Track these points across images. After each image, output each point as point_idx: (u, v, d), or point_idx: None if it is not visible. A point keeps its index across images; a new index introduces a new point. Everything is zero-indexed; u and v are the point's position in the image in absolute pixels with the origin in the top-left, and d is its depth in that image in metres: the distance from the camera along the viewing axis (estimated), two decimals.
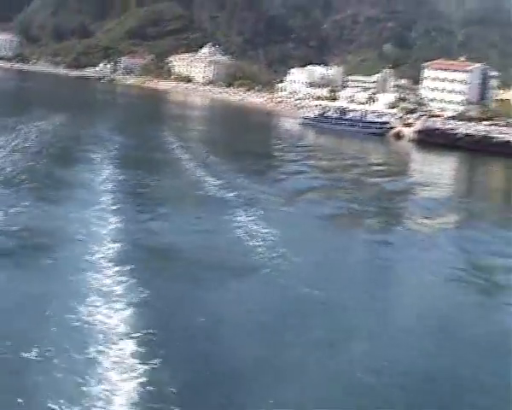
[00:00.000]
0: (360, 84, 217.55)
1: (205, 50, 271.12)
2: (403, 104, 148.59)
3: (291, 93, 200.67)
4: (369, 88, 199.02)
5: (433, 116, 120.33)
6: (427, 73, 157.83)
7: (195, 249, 18.21)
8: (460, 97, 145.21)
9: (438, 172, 56.69)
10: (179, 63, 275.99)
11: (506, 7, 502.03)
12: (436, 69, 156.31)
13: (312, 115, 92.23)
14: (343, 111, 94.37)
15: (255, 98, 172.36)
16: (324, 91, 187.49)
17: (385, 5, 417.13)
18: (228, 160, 38.58)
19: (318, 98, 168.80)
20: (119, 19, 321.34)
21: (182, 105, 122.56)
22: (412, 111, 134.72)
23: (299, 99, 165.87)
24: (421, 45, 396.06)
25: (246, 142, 57.35)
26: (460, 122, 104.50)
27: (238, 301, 15.37)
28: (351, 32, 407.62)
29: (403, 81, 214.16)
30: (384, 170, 47.49)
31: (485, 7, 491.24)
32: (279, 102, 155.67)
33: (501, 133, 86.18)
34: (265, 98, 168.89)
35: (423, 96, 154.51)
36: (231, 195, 26.26)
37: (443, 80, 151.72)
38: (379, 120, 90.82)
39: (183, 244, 18.58)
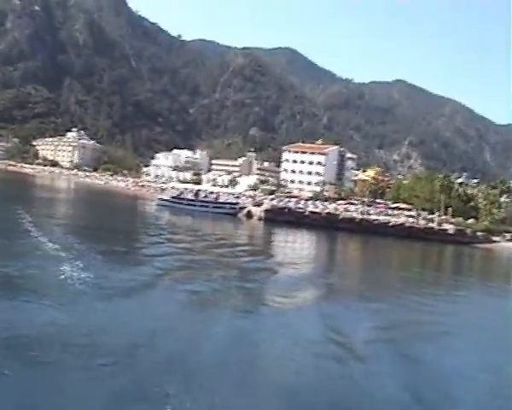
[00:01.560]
0: (224, 168, 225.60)
1: (71, 135, 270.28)
2: (263, 186, 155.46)
3: (155, 177, 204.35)
4: (233, 171, 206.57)
5: (291, 197, 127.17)
6: (286, 155, 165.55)
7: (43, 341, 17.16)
8: (317, 178, 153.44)
9: (290, 248, 59.99)
10: (45, 147, 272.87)
11: (367, 92, 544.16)
12: (294, 152, 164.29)
13: (167, 197, 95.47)
14: (196, 193, 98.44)
15: (119, 182, 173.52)
16: (188, 175, 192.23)
17: (251, 90, 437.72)
18: (85, 242, 38.51)
19: (183, 182, 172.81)
20: None
21: (44, 188, 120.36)
22: (272, 192, 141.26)
23: (162, 183, 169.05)
24: (286, 129, 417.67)
25: (103, 224, 57.55)
26: (316, 202, 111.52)
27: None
28: (218, 116, 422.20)
29: (266, 164, 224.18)
30: (240, 247, 49.71)
31: (348, 92, 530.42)
32: (142, 185, 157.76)
33: (348, 211, 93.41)
34: (129, 182, 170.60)
35: (283, 178, 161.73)
36: (89, 280, 25.54)
37: (301, 163, 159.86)
38: (230, 200, 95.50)
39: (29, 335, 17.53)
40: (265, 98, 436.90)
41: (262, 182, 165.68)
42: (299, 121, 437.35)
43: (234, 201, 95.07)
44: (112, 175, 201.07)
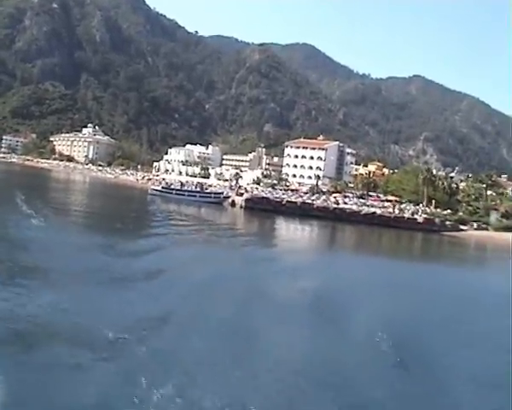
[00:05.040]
0: (235, 163, 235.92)
1: (86, 131, 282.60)
2: (265, 180, 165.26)
3: (165, 171, 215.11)
4: (243, 166, 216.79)
5: (290, 190, 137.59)
6: (288, 151, 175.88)
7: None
8: (317, 173, 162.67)
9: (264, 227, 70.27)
10: (61, 143, 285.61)
11: (384, 88, 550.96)
12: (296, 147, 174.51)
13: (159, 188, 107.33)
14: (184, 184, 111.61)
15: (129, 176, 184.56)
16: (197, 170, 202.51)
17: (266, 86, 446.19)
18: (83, 226, 46.41)
19: (192, 176, 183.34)
20: (3, 97, 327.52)
21: (57, 181, 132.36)
22: (273, 186, 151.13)
23: (157, 176, 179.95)
24: (301, 124, 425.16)
25: (97, 210, 66.38)
26: (306, 194, 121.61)
27: None
28: (233, 112, 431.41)
29: (276, 159, 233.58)
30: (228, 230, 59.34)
31: (365, 87, 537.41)
32: (149, 179, 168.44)
33: (325, 201, 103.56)
34: (138, 176, 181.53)
35: (285, 173, 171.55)
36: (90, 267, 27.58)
37: (302, 157, 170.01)
38: (215, 190, 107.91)
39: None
40: (281, 94, 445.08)
41: (265, 176, 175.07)
42: (315, 117, 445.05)
43: (219, 191, 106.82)
44: (124, 170, 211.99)
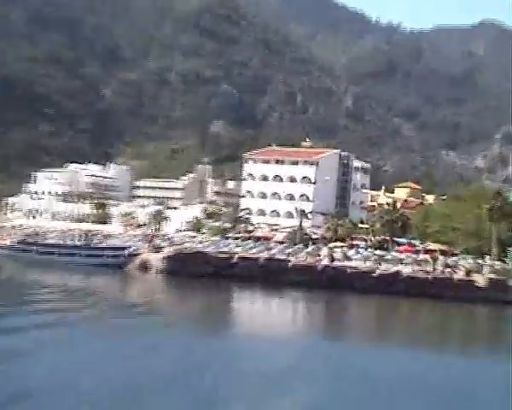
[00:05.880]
0: (157, 193, 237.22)
1: None
2: (211, 223, 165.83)
3: (29, 213, 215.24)
4: (171, 198, 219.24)
5: (256, 237, 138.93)
6: (250, 168, 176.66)
7: None
8: (302, 206, 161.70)
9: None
10: None
11: (427, 48, 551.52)
12: (264, 162, 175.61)
13: (9, 243, 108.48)
14: (60, 236, 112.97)
15: None
16: (86, 208, 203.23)
17: (215, 52, 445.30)
18: None
19: (77, 220, 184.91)
20: None
21: None
22: (224, 232, 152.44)
23: (34, 223, 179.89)
24: (278, 119, 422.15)
25: None
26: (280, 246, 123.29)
27: None
28: (154, 101, 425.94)
29: (230, 184, 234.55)
30: None
31: (392, 48, 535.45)
32: None
33: (312, 256, 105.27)
34: None
35: (246, 207, 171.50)
36: None
37: (276, 179, 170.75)
38: (114, 244, 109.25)
39: None
40: (241, 66, 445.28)
41: (211, 215, 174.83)
42: (303, 105, 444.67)
43: (121, 245, 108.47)
44: None
